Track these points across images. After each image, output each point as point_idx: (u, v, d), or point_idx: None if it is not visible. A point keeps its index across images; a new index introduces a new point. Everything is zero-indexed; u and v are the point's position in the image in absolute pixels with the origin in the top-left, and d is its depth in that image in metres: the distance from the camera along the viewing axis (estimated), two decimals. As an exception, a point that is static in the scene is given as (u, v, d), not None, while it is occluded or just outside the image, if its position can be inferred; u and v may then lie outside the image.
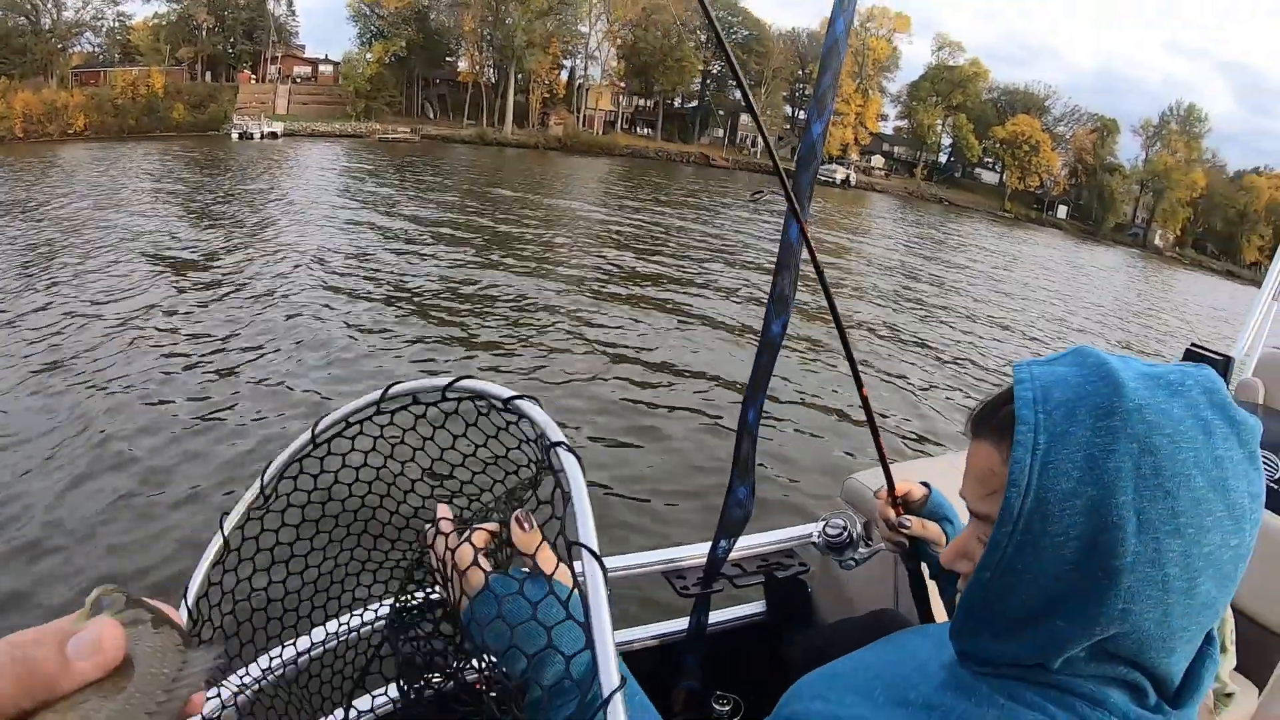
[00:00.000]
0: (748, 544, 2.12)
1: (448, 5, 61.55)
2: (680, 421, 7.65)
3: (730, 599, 2.09)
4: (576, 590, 0.75)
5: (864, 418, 1.53)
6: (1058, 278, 35.06)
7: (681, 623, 1.94)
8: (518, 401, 0.83)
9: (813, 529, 1.78)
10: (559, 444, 0.77)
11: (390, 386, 0.94)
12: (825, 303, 1.51)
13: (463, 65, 62.24)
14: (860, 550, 1.66)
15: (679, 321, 11.79)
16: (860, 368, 1.55)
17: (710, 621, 1.89)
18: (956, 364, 12.83)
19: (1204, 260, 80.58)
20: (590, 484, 0.73)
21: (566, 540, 0.70)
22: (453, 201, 23.32)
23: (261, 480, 0.96)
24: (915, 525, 1.27)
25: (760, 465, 6.02)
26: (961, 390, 11.02)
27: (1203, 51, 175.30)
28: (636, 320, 11.53)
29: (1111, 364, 0.66)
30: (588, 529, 0.71)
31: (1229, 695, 2.18)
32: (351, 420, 0.96)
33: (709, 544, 1.82)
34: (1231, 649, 2.25)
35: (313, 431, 0.96)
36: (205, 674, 0.42)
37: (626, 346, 10.04)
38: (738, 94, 66.99)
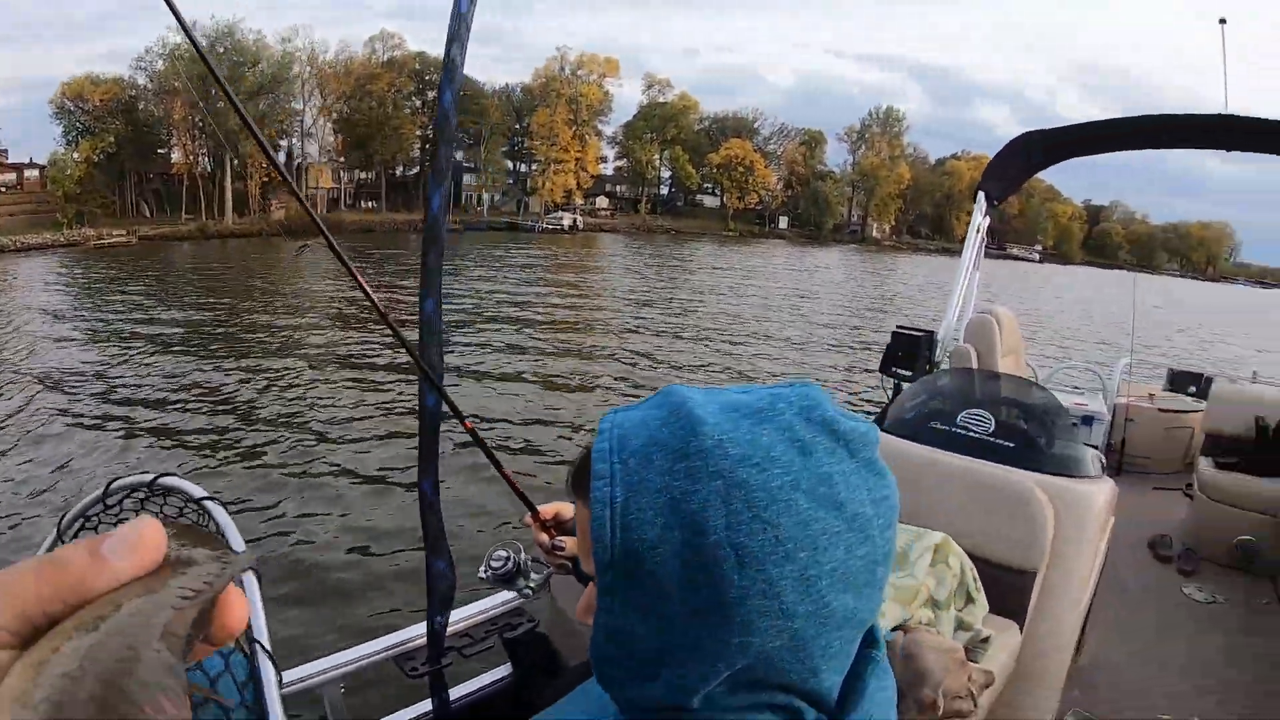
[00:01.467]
0: (477, 609, 2.12)
1: (155, 94, 59.57)
2: (381, 497, 8.01)
3: (479, 666, 2.05)
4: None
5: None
6: (786, 282, 37.78)
7: (425, 705, 1.87)
8: (207, 502, 0.92)
9: (482, 568, 1.69)
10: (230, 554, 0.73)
11: (111, 483, 1.07)
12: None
13: (176, 156, 59.27)
14: (533, 577, 1.64)
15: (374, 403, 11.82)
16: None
17: (456, 696, 1.85)
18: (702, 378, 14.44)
19: (919, 243, 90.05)
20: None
21: (248, 636, 0.73)
22: (173, 307, 21.61)
23: None
24: (570, 545, 1.28)
25: (460, 526, 6.93)
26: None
27: (892, 59, 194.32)
28: (338, 401, 11.64)
29: (691, 402, 0.64)
30: (260, 626, 0.75)
31: (985, 640, 2.35)
32: (89, 514, 1.06)
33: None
34: (980, 596, 2.44)
35: (58, 529, 1.06)
36: (241, 572, 0.41)
37: (313, 423, 10.37)
38: (458, 155, 67.56)
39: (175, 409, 11.26)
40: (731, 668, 0.60)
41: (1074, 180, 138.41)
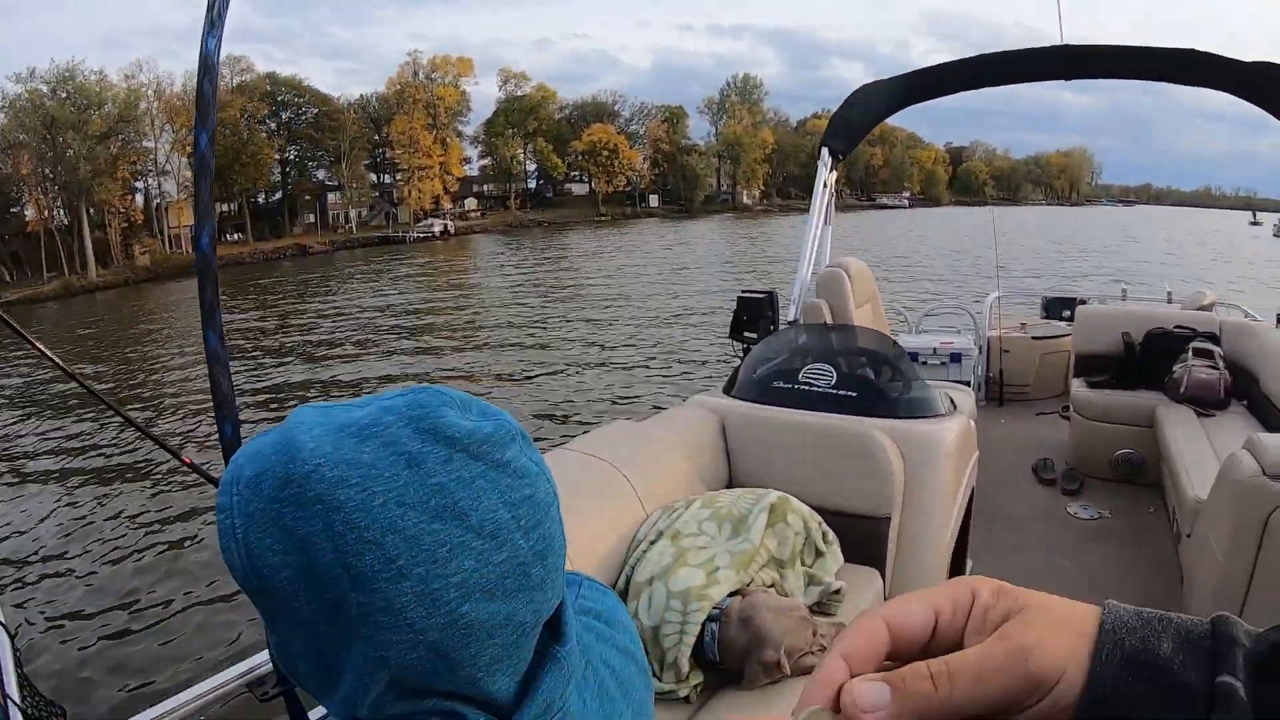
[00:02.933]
0: None
1: (0, 151, 59.12)
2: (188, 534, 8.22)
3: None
4: None
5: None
6: (661, 259, 38.81)
7: None
8: None
9: None
10: None
11: None
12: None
13: (30, 213, 56.19)
14: None
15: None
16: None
17: (316, 716, 1.80)
18: (577, 369, 15.37)
19: (790, 204, 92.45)
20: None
21: None
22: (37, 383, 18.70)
23: None
24: None
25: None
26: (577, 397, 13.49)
27: (743, 27, 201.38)
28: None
29: (296, 426, 0.62)
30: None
31: (837, 592, 2.38)
32: None
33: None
34: (832, 548, 2.50)
35: None
36: None
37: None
38: (320, 174, 66.72)
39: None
40: (379, 681, 0.61)
41: (934, 127, 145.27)
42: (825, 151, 5.68)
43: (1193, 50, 4.83)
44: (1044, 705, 0.36)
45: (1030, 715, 0.36)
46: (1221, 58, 4.75)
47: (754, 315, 5.03)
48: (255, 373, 17.35)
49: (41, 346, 1.69)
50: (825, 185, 5.66)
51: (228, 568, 0.62)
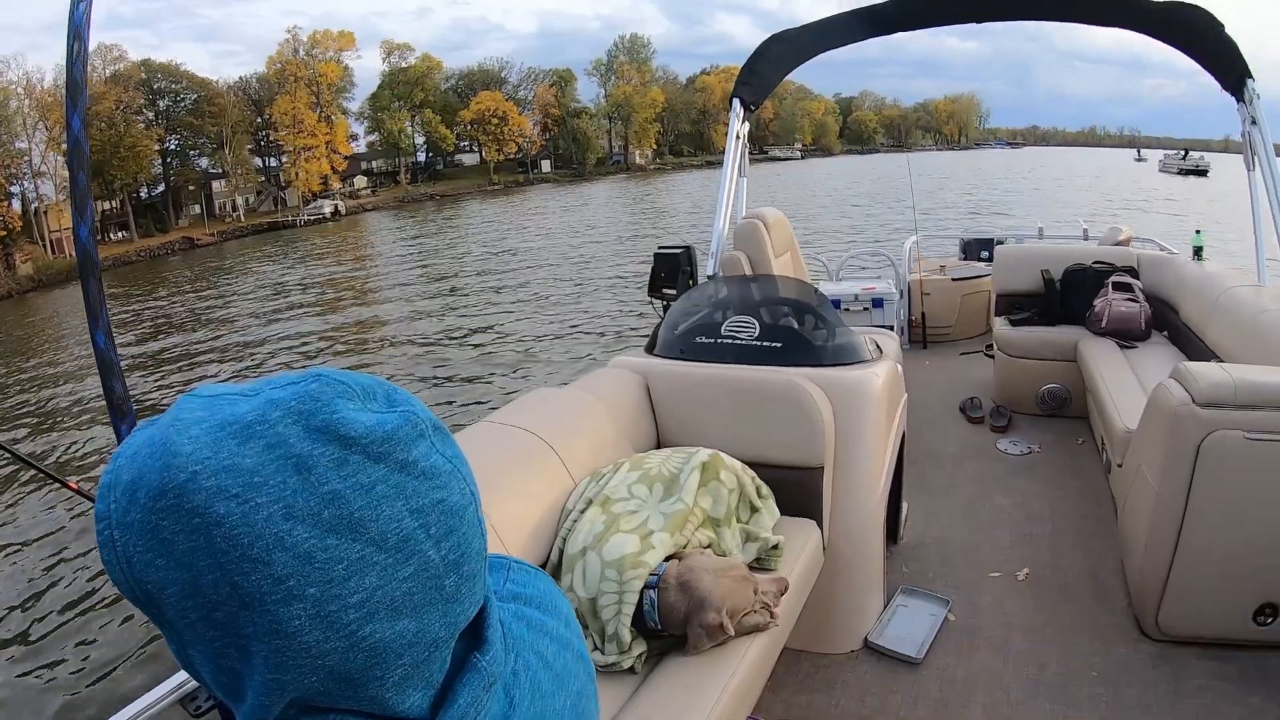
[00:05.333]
0: None
1: None
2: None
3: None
4: None
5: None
6: (554, 224, 38.37)
7: None
8: None
9: None
10: None
11: None
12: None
13: None
14: None
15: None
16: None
17: None
18: (477, 347, 14.83)
19: (683, 161, 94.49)
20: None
21: None
22: None
23: None
24: None
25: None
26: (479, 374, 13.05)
27: None
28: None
29: (177, 424, 0.54)
30: None
31: (775, 547, 2.34)
32: None
33: None
34: (767, 503, 2.49)
35: None
36: None
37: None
38: (203, 162, 65.43)
39: None
40: (281, 700, 0.55)
41: (823, 78, 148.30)
42: (737, 103, 5.48)
43: None
44: None
45: None
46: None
47: (671, 271, 4.89)
48: (153, 377, 16.69)
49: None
50: (738, 137, 5.47)
51: (112, 580, 0.56)
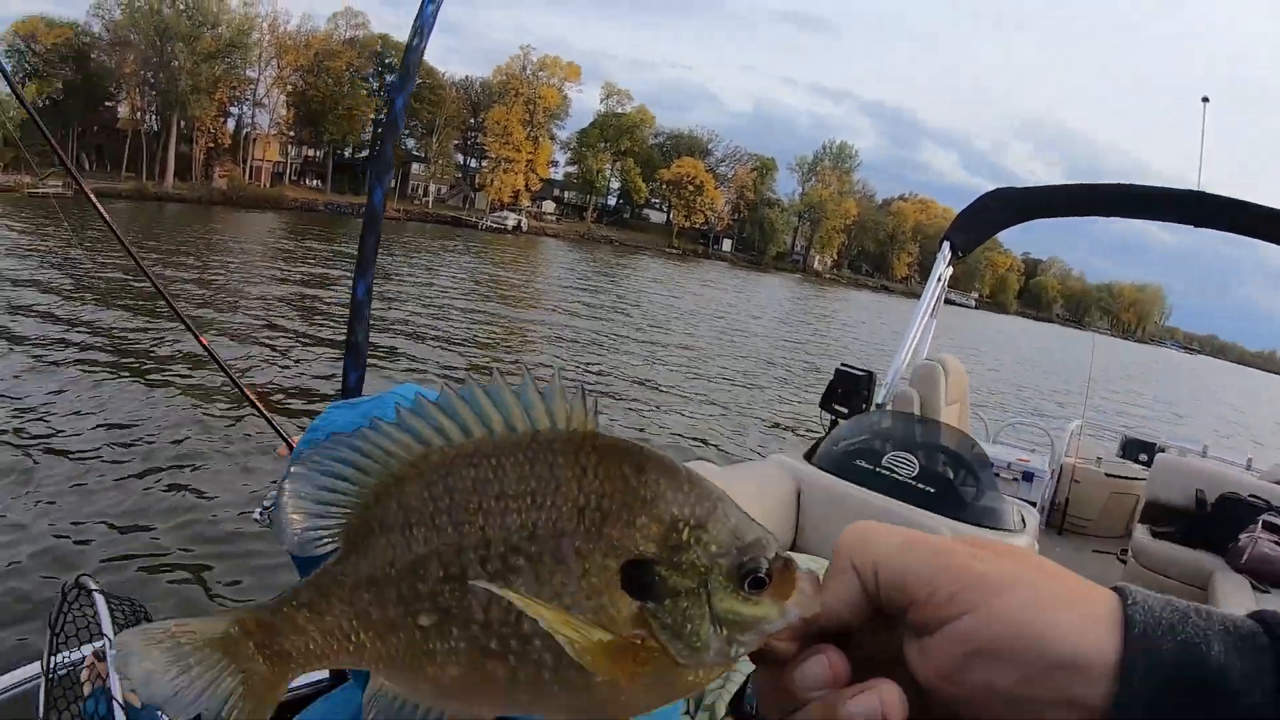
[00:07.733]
0: None
1: (109, 45, 56.89)
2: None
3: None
4: None
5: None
6: (725, 304, 38.43)
7: None
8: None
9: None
10: None
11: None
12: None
13: (123, 111, 57.82)
14: None
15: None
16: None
17: None
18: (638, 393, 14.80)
19: (859, 279, 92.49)
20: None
21: None
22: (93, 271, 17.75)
23: None
24: None
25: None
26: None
27: (845, 93, 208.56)
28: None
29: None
30: None
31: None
32: None
33: None
34: None
35: None
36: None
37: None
38: (409, 143, 66.02)
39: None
40: None
41: (1014, 234, 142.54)
42: (946, 245, 5.57)
43: None
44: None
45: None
46: None
47: (849, 390, 5.10)
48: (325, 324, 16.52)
49: (129, 246, 1.74)
50: (940, 279, 5.59)
51: None
